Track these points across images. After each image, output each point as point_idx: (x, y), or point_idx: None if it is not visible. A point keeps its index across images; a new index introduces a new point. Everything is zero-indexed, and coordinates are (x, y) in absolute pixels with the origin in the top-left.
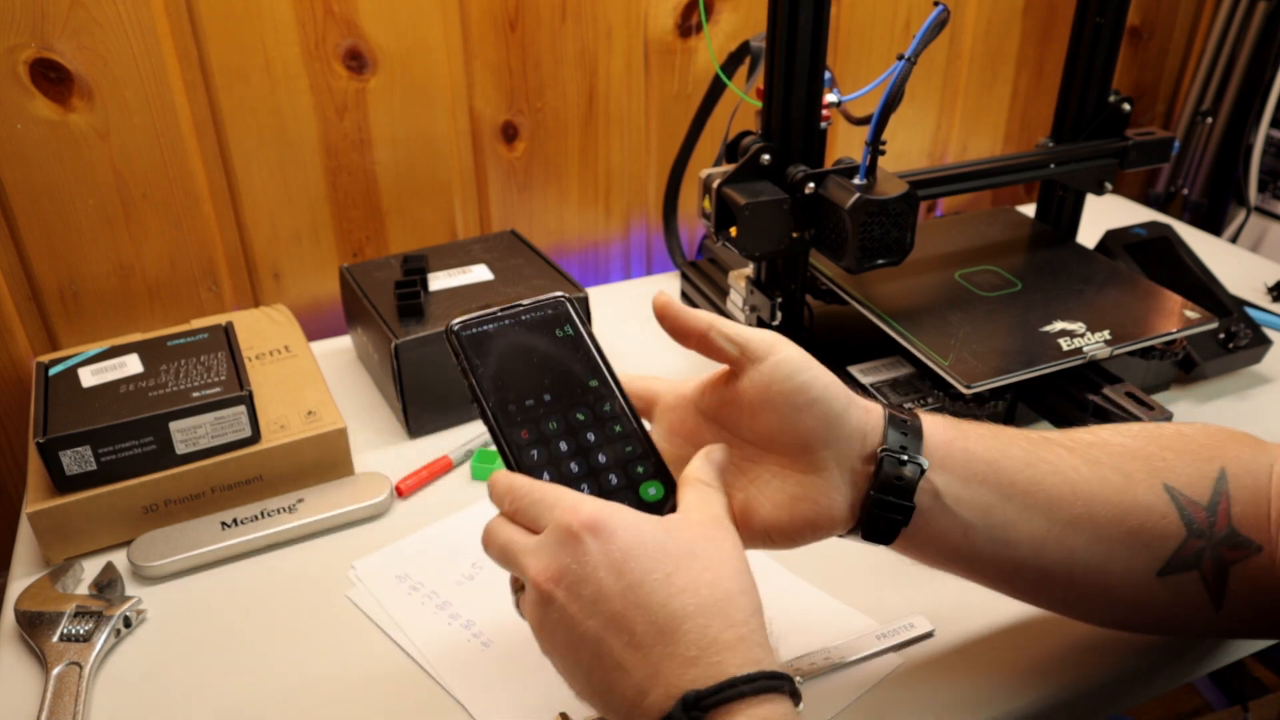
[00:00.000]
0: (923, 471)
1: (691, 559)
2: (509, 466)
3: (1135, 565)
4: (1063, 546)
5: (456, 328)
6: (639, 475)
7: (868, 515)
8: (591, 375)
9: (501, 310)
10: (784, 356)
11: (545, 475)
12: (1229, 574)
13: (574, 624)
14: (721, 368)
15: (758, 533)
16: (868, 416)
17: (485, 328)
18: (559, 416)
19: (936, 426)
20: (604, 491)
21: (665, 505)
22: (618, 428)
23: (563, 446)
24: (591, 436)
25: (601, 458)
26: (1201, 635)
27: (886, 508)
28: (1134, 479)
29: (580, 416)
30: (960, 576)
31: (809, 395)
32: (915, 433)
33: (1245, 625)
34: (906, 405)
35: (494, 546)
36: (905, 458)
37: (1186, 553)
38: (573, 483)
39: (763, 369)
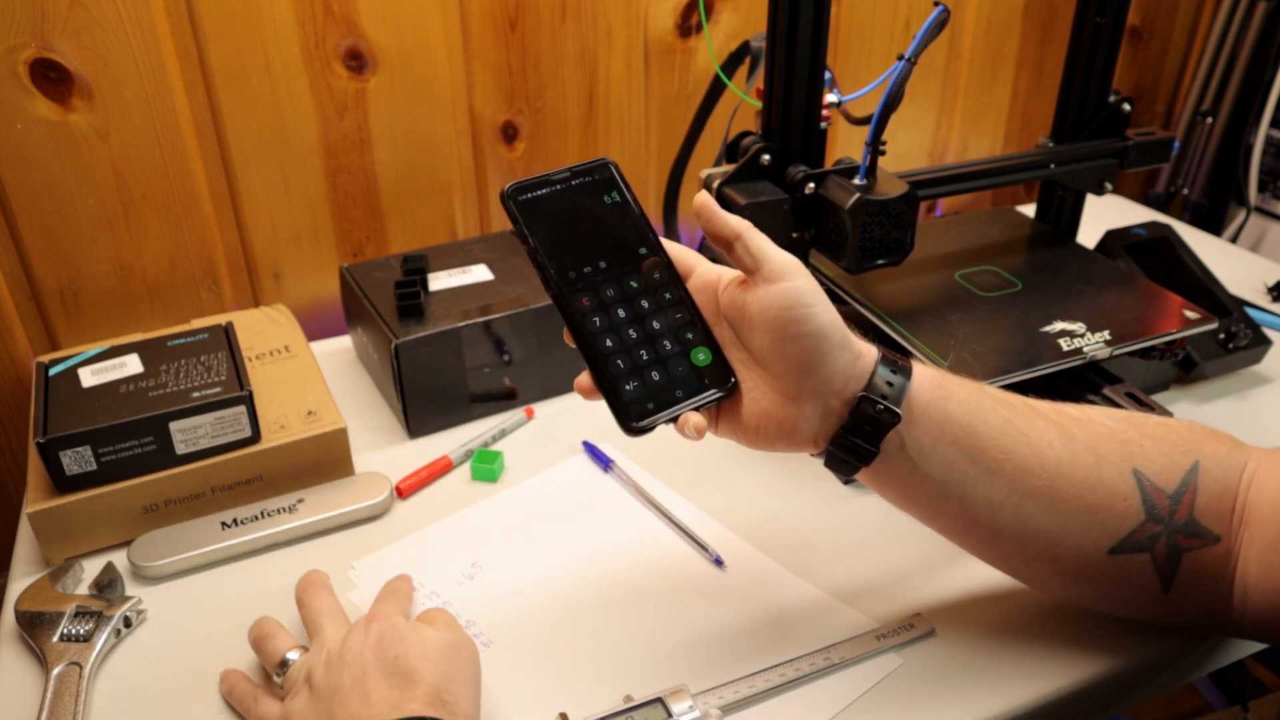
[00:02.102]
0: (895, 422)
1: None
2: (572, 332)
3: (1087, 540)
4: (1017, 512)
5: (510, 192)
6: (689, 341)
7: (832, 450)
8: (641, 243)
9: (550, 175)
10: (793, 285)
11: (607, 341)
12: (1182, 560)
13: None
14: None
15: (727, 429)
16: (856, 362)
17: (539, 192)
18: (615, 284)
19: (923, 381)
20: (659, 357)
21: (713, 369)
22: (667, 295)
23: (620, 313)
24: (645, 303)
25: (655, 324)
26: (1145, 618)
27: (851, 449)
28: (1105, 460)
29: (634, 284)
30: (916, 519)
31: (803, 328)
32: (905, 374)
33: (1190, 613)
34: (902, 357)
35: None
36: (882, 406)
37: (1141, 535)
38: (632, 348)
39: (770, 290)
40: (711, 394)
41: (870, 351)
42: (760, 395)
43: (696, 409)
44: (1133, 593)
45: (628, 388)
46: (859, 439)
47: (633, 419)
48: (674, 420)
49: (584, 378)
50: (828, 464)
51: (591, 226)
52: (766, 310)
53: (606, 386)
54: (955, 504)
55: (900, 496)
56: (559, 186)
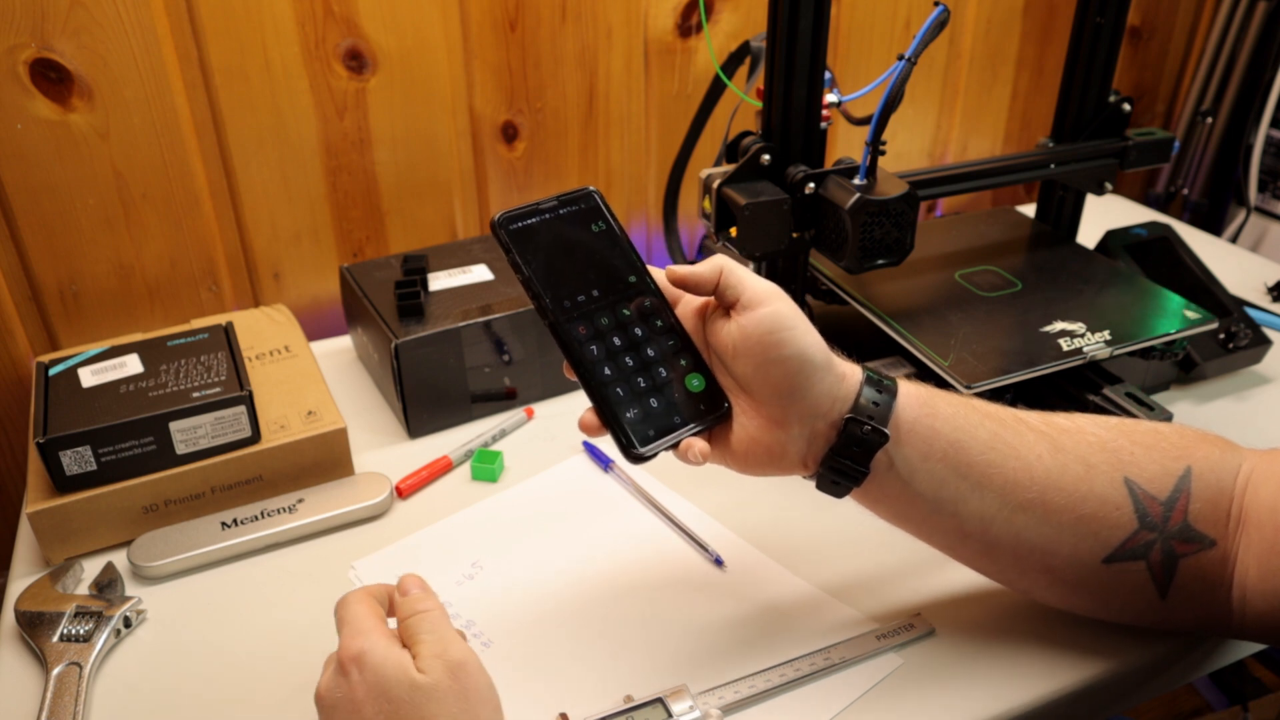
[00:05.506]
0: (883, 442)
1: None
2: (571, 361)
3: (1081, 550)
4: (1010, 526)
5: (501, 221)
6: (683, 368)
7: (822, 471)
8: (629, 271)
9: (538, 205)
10: (773, 310)
11: (605, 369)
12: (1178, 566)
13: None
14: None
15: (717, 455)
16: (841, 384)
17: (528, 221)
18: (608, 312)
19: (909, 399)
20: (656, 384)
21: (707, 394)
22: (659, 323)
23: (616, 341)
24: (639, 331)
25: (650, 351)
26: (1144, 624)
27: (841, 470)
28: (1096, 470)
29: (626, 312)
30: (910, 534)
31: (784, 351)
32: (890, 392)
33: (1189, 618)
34: (887, 376)
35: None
36: (869, 426)
37: (1135, 543)
38: (630, 375)
39: (750, 316)
40: (708, 419)
41: (855, 372)
42: (747, 421)
43: (695, 434)
44: (1130, 600)
45: (629, 415)
46: (848, 460)
47: (636, 446)
48: (674, 447)
49: (588, 415)
50: (819, 486)
51: (582, 255)
52: (749, 336)
53: (608, 415)
54: (948, 519)
55: (893, 514)
56: (547, 215)
